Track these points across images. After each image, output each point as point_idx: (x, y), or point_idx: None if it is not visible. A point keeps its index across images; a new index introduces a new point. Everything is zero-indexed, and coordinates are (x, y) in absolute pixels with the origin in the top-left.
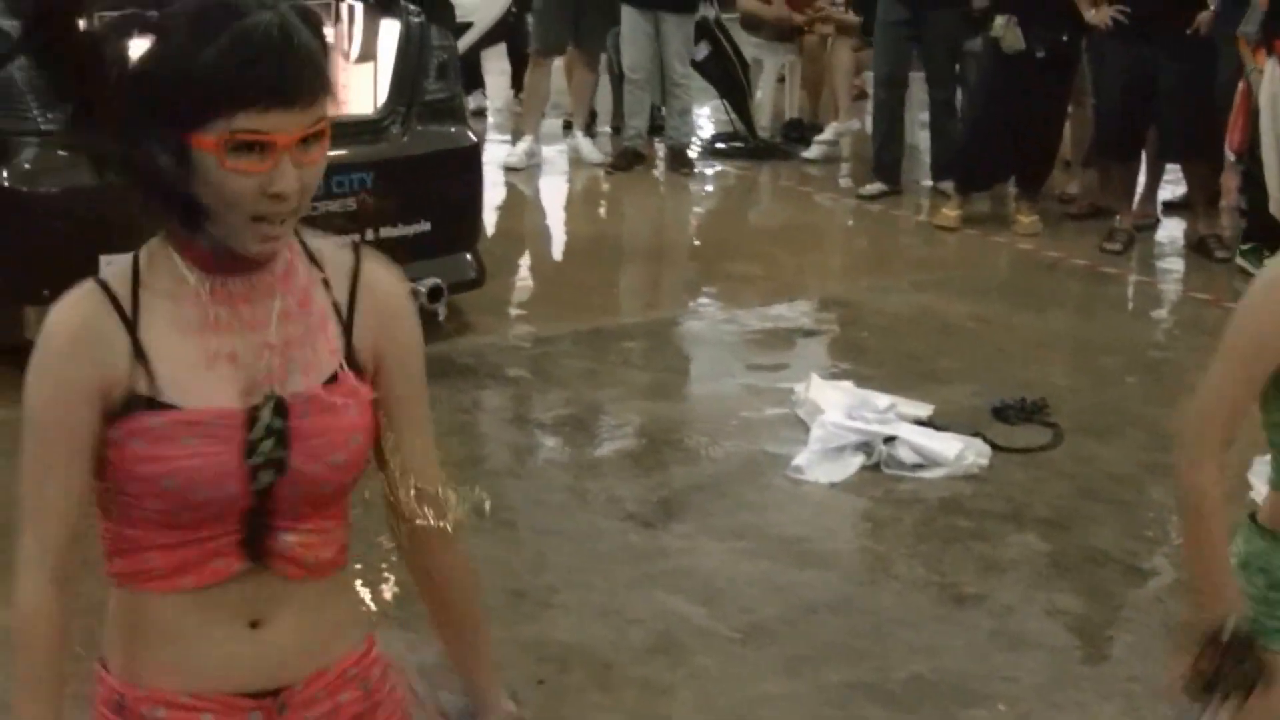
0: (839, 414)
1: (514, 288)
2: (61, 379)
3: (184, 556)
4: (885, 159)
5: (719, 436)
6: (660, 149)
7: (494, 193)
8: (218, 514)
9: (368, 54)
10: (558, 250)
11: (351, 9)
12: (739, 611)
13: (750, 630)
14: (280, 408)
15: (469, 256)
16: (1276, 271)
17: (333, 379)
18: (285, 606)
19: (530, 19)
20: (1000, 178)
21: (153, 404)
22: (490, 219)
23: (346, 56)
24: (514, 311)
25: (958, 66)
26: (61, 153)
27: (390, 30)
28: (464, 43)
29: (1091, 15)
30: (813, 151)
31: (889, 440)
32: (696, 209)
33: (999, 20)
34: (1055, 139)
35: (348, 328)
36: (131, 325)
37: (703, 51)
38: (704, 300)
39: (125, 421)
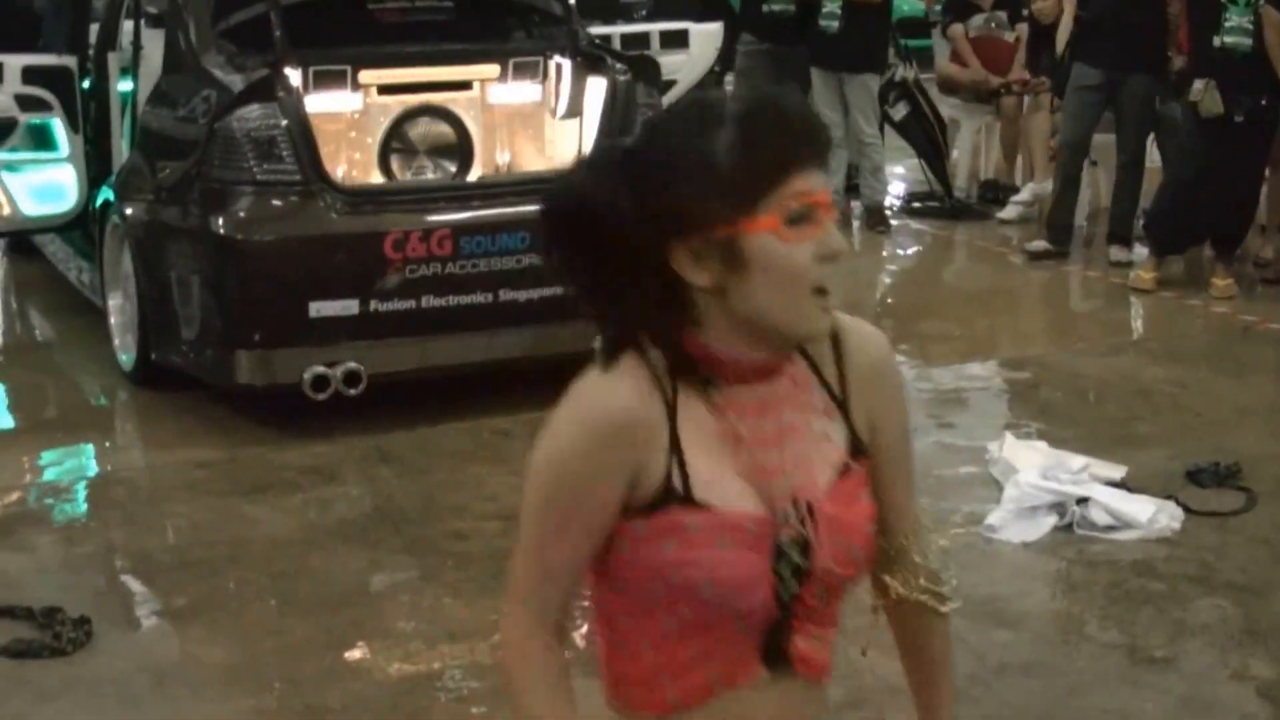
0: (1033, 474)
1: None
2: (600, 462)
3: (705, 673)
4: (1056, 220)
5: None
6: (856, 207)
7: None
8: (746, 623)
9: (574, 110)
10: None
11: (559, 66)
12: None
13: None
14: (805, 515)
15: None
16: None
17: (842, 470)
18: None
19: (730, 79)
20: (1196, 241)
21: (687, 501)
22: None
23: (554, 113)
24: None
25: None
26: (275, 202)
27: (597, 87)
28: (667, 100)
29: None
30: (1008, 212)
31: (1082, 501)
32: (891, 267)
33: (1198, 84)
34: (1252, 203)
35: (844, 408)
36: (673, 414)
37: (901, 111)
38: (898, 357)
39: (656, 517)
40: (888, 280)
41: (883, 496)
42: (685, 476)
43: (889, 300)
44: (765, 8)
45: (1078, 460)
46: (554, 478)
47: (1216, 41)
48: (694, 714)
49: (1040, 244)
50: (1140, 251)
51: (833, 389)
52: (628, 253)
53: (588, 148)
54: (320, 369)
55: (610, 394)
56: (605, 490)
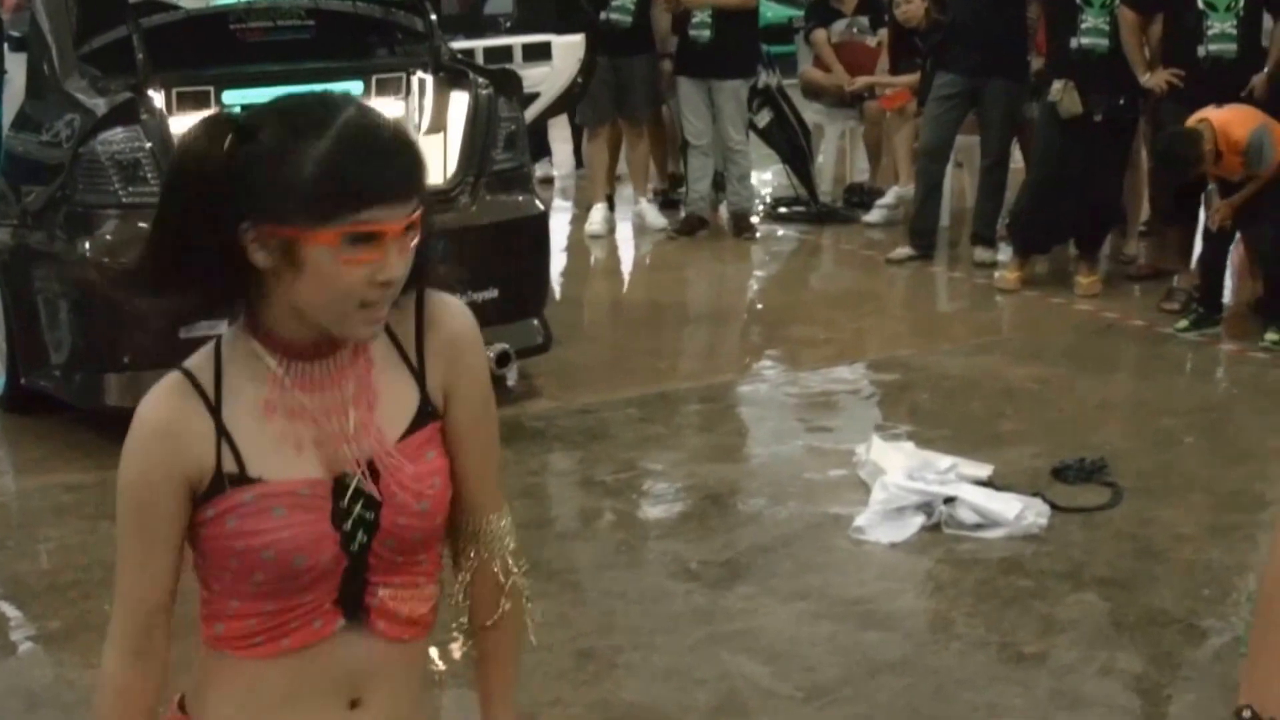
0: (900, 475)
1: (581, 352)
2: (147, 469)
3: (285, 619)
4: (919, 226)
5: (781, 498)
6: (723, 213)
7: (560, 259)
8: (318, 578)
9: (438, 125)
10: (623, 315)
11: (422, 82)
12: (802, 672)
13: (813, 690)
14: (366, 474)
15: (536, 322)
16: None
17: (409, 429)
18: (381, 679)
19: None
20: (1059, 240)
21: (241, 480)
22: (557, 285)
23: (418, 129)
24: (581, 376)
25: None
26: (141, 224)
27: (460, 102)
28: (530, 113)
29: (1146, 79)
30: (873, 215)
31: (949, 501)
32: (759, 273)
33: (1056, 85)
34: (1114, 201)
35: (419, 375)
36: (216, 409)
37: (765, 118)
38: (766, 363)
39: (216, 500)
40: (755, 286)
41: (463, 466)
42: (237, 457)
43: (757, 306)
44: (603, 16)
45: (944, 460)
46: (128, 503)
47: (1074, 43)
48: (278, 661)
49: (904, 251)
50: (1005, 252)
51: (409, 358)
52: (205, 219)
53: (451, 162)
54: None
55: (148, 406)
56: (172, 500)
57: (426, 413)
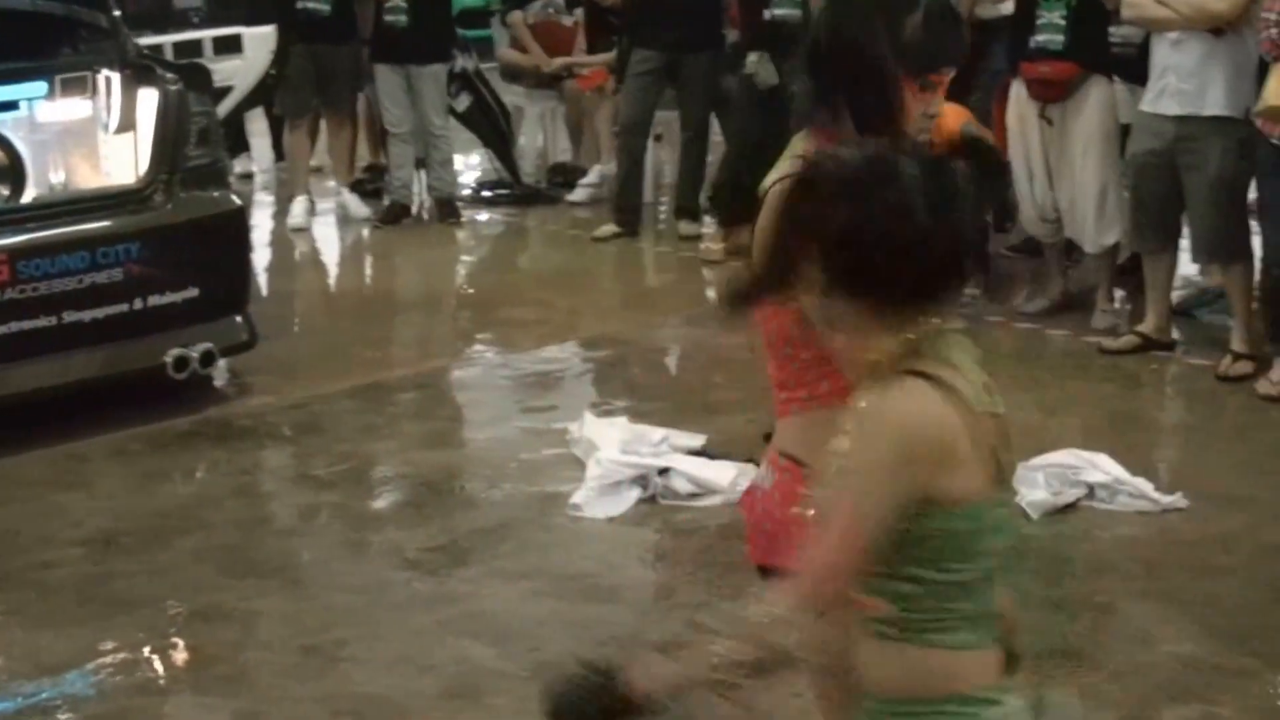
0: (614, 450)
1: (289, 347)
2: None
3: None
4: (623, 203)
5: (499, 480)
6: (426, 200)
7: (264, 254)
8: None
9: (127, 124)
10: (331, 307)
11: (109, 80)
12: (529, 651)
13: (541, 668)
14: None
15: (239, 319)
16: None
17: None
18: None
19: None
20: (760, 209)
21: None
22: (262, 280)
23: (107, 128)
24: (292, 370)
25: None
26: None
27: (148, 99)
28: (224, 108)
29: None
30: (577, 194)
31: (664, 472)
32: (466, 257)
33: (752, 57)
34: None
35: None
36: None
37: (464, 102)
38: (478, 347)
39: None
40: (464, 271)
41: None
42: None
43: (467, 290)
44: (300, 4)
45: (657, 432)
46: None
47: (767, 14)
48: None
49: (609, 229)
50: (709, 224)
51: None
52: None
53: (143, 161)
54: None
55: None
56: None
57: None
